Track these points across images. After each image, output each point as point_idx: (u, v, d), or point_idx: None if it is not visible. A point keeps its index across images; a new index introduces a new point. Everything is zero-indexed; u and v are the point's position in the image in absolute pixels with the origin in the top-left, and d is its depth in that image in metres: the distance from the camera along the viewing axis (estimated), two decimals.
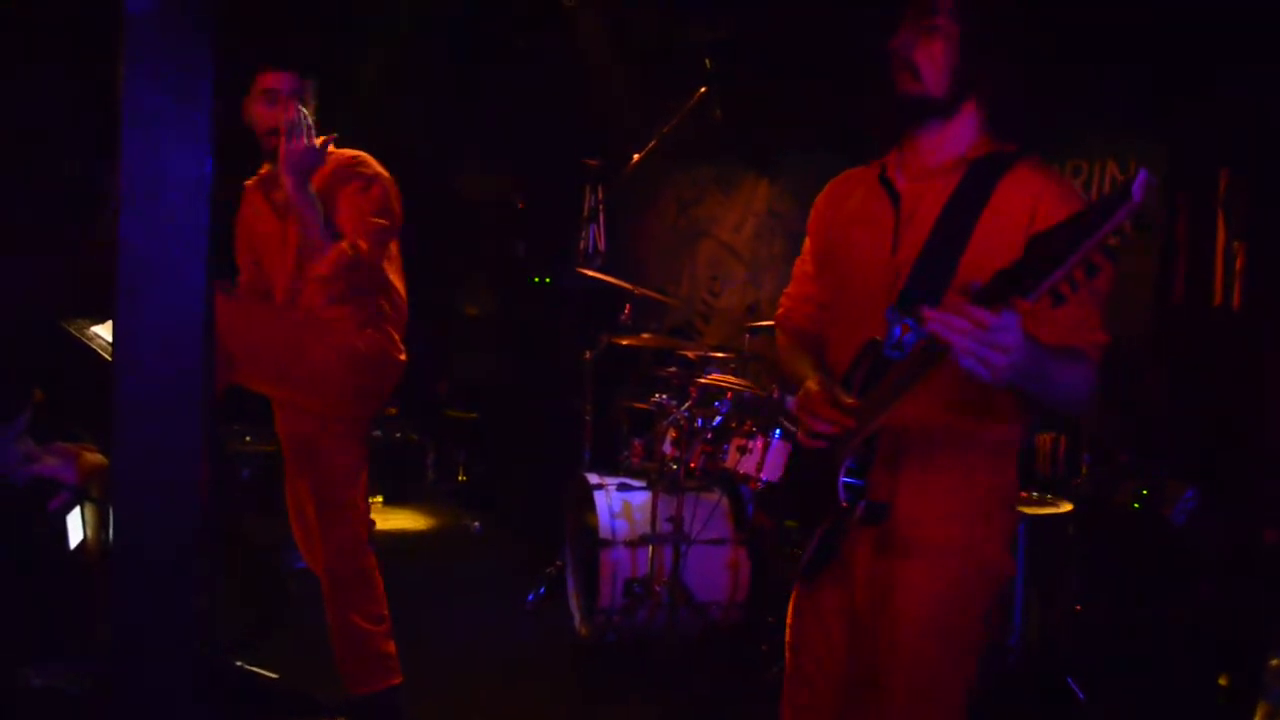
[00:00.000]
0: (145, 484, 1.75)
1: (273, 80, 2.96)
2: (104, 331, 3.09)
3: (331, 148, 2.96)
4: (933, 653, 1.83)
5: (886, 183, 1.93)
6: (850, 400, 1.80)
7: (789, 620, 2.09)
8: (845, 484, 1.81)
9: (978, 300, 1.48)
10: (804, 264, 2.18)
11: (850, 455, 1.81)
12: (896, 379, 1.70)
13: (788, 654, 2.09)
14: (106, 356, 2.91)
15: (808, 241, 2.17)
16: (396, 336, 3.09)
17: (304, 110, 2.82)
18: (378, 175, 2.99)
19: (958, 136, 1.87)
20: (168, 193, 1.74)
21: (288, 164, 2.75)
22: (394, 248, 3.10)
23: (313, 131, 2.81)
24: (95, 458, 2.07)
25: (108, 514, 2.06)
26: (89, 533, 1.96)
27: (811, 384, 1.91)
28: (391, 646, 3.08)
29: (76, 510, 1.94)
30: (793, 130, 5.46)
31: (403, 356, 3.11)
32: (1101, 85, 4.15)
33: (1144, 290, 4.10)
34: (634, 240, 6.46)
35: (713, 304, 5.91)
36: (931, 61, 1.82)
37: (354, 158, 3.00)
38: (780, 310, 2.24)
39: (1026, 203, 1.76)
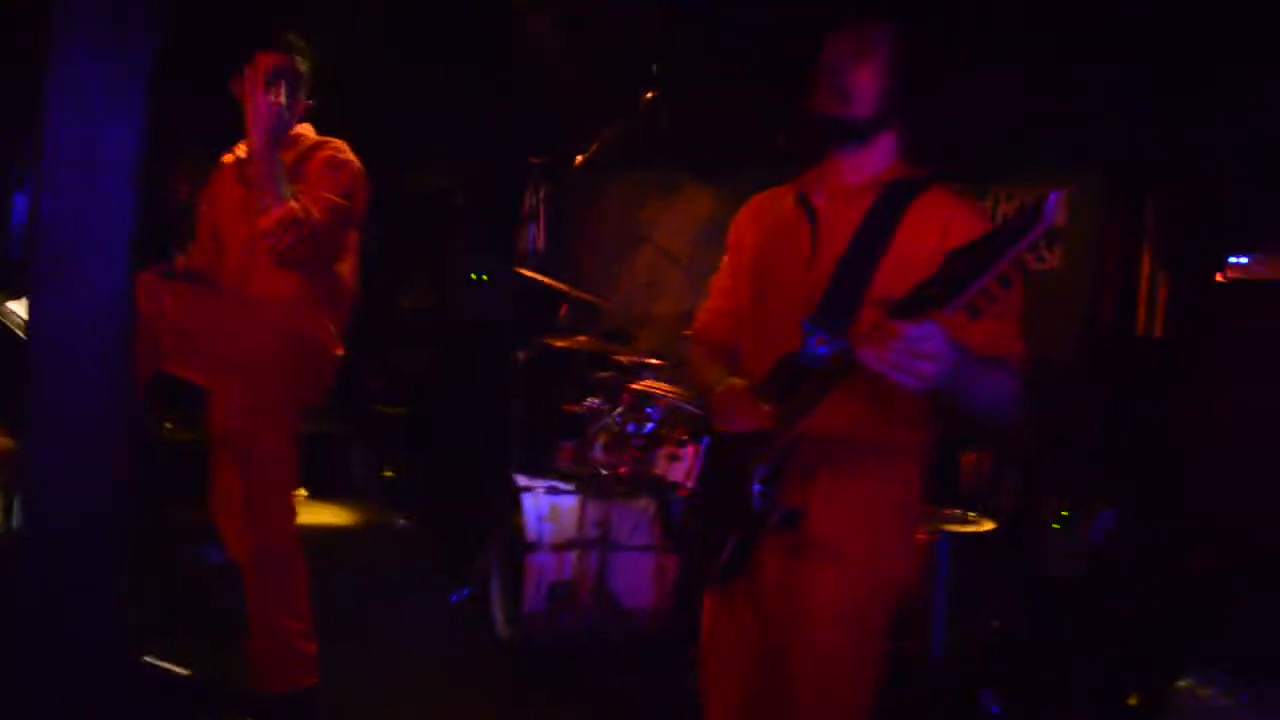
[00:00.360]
0: (61, 468, 1.68)
1: (264, 60, 2.93)
2: (19, 308, 2.99)
3: (310, 131, 3.02)
4: (839, 656, 1.88)
5: (804, 201, 2.00)
6: (767, 408, 1.85)
7: (704, 624, 2.14)
8: (759, 492, 1.84)
9: (895, 313, 1.53)
10: (723, 279, 2.24)
11: (764, 464, 1.85)
12: (812, 389, 1.75)
13: (703, 656, 2.13)
14: (20, 334, 2.82)
15: (726, 257, 2.23)
16: (334, 328, 3.05)
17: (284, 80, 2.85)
18: (349, 161, 2.99)
19: (875, 159, 1.95)
20: (96, 173, 1.67)
21: (255, 120, 2.76)
22: (351, 239, 3.09)
23: (286, 93, 2.83)
24: (1, 441, 1.99)
25: (10, 501, 1.98)
26: None
27: (735, 381, 1.97)
28: (312, 646, 3.02)
29: None
30: (737, 141, 5.48)
31: (339, 350, 3.07)
32: (1038, 114, 4.23)
33: (1074, 318, 4.19)
34: (574, 241, 6.43)
35: (649, 309, 5.91)
36: (863, 86, 1.88)
37: (328, 142, 3.02)
38: (698, 323, 2.29)
39: (939, 223, 1.84)
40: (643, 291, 6.05)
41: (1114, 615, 3.69)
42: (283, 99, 2.85)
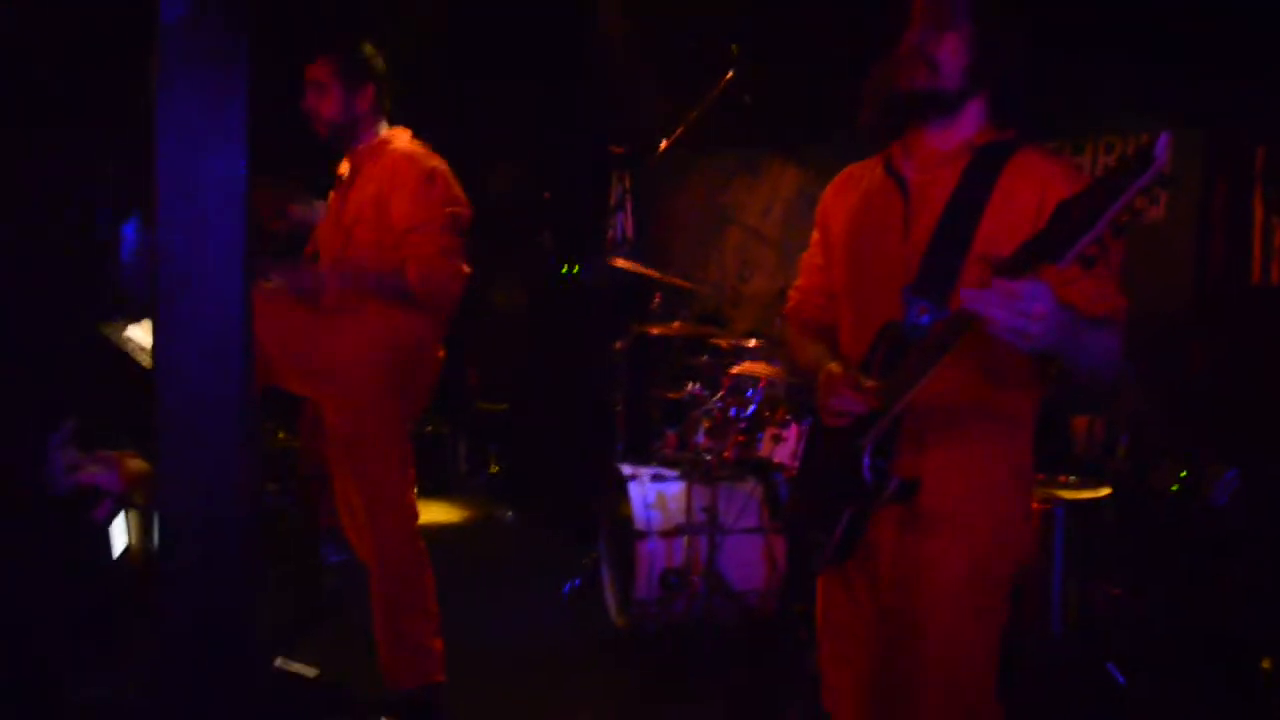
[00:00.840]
0: (190, 488, 1.75)
1: (311, 71, 2.99)
2: (138, 333, 3.11)
3: (394, 135, 3.04)
4: (962, 627, 1.86)
5: (893, 172, 1.98)
6: (871, 383, 1.83)
7: (819, 605, 2.14)
8: (870, 465, 1.84)
9: (1002, 271, 1.52)
10: (813, 257, 2.22)
11: (874, 437, 1.83)
12: (920, 357, 1.74)
13: (822, 639, 2.13)
14: (144, 360, 2.93)
15: (815, 234, 2.21)
16: (433, 331, 3.07)
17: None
18: (436, 169, 2.98)
19: (964, 126, 1.92)
20: (204, 196, 1.74)
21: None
22: (455, 242, 3.06)
23: (339, 96, 2.91)
24: (138, 464, 2.08)
25: (152, 521, 2.08)
26: (133, 540, 1.97)
27: (833, 366, 1.94)
28: (439, 643, 3.08)
29: (120, 518, 1.95)
30: (820, 115, 5.41)
31: (440, 353, 3.11)
32: (1135, 66, 4.08)
33: (1183, 269, 4.04)
34: (662, 228, 6.44)
35: (742, 290, 5.89)
36: (950, 57, 1.86)
37: (412, 154, 3.01)
38: (790, 303, 2.28)
39: (1035, 182, 1.82)
40: (734, 273, 6.02)
41: (1241, 577, 3.57)
42: (335, 103, 2.89)
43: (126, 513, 1.94)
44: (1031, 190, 1.80)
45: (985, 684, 1.89)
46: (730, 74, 4.27)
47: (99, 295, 3.69)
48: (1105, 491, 3.56)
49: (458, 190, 3.01)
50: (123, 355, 2.94)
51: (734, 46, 4.20)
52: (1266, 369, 3.79)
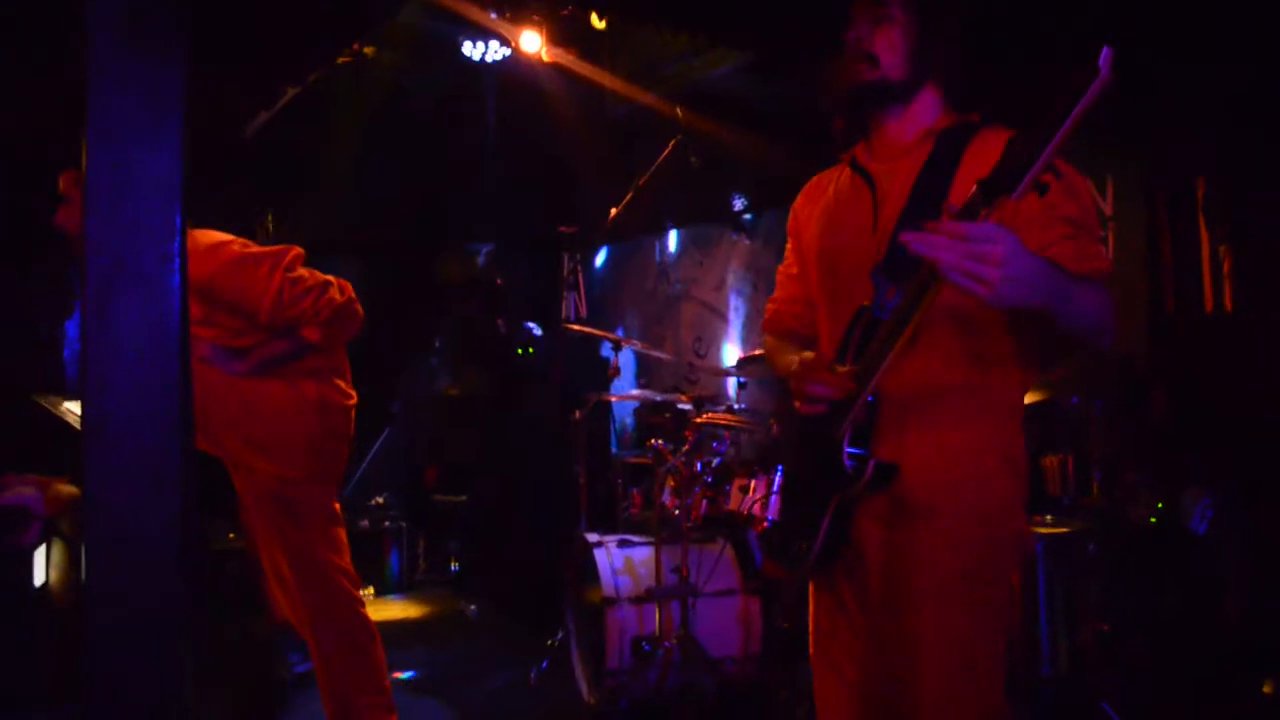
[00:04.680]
0: (121, 507, 1.61)
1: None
2: (74, 406, 2.98)
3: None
4: (955, 625, 1.74)
5: (859, 168, 1.97)
6: (845, 369, 1.78)
7: (810, 624, 2.03)
8: (849, 454, 1.76)
9: (960, 217, 1.46)
10: (788, 267, 2.21)
11: (851, 425, 1.76)
12: (888, 333, 1.68)
13: (814, 653, 2.02)
14: (75, 423, 2.80)
15: (789, 244, 2.20)
16: (340, 383, 3.00)
17: None
18: (245, 245, 2.87)
19: (921, 115, 1.92)
20: (137, 195, 1.65)
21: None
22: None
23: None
24: (66, 489, 1.94)
25: (78, 552, 1.92)
26: (53, 574, 1.81)
27: (807, 354, 1.90)
28: (392, 718, 2.90)
29: (43, 548, 1.79)
30: (767, 187, 5.46)
31: (351, 400, 3.01)
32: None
33: (1137, 308, 4.06)
34: (614, 306, 6.42)
35: (699, 365, 5.84)
36: (889, 49, 1.88)
37: (217, 244, 2.86)
38: (767, 315, 2.25)
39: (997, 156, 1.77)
40: (690, 348, 5.98)
41: (1229, 603, 3.49)
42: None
43: (49, 543, 1.78)
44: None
45: (986, 684, 1.76)
46: (677, 138, 4.29)
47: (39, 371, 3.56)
48: (1081, 526, 3.49)
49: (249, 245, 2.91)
50: (54, 419, 2.81)
51: (678, 110, 4.24)
52: (1228, 394, 3.77)
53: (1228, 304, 3.81)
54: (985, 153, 1.78)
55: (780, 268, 2.23)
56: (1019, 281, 1.43)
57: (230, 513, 5.26)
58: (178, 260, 1.68)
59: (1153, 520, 3.64)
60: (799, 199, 2.17)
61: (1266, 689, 3.12)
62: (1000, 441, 1.81)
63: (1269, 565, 3.40)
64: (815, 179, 2.15)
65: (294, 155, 5.28)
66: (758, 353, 4.14)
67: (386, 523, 6.11)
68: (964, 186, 1.77)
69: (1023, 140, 1.39)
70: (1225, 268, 3.82)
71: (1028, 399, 1.95)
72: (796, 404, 1.88)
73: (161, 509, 1.68)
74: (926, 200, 1.81)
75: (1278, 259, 3.66)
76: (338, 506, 2.98)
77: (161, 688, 1.68)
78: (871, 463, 1.74)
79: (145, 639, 1.64)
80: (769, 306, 2.24)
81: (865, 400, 1.73)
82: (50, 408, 2.95)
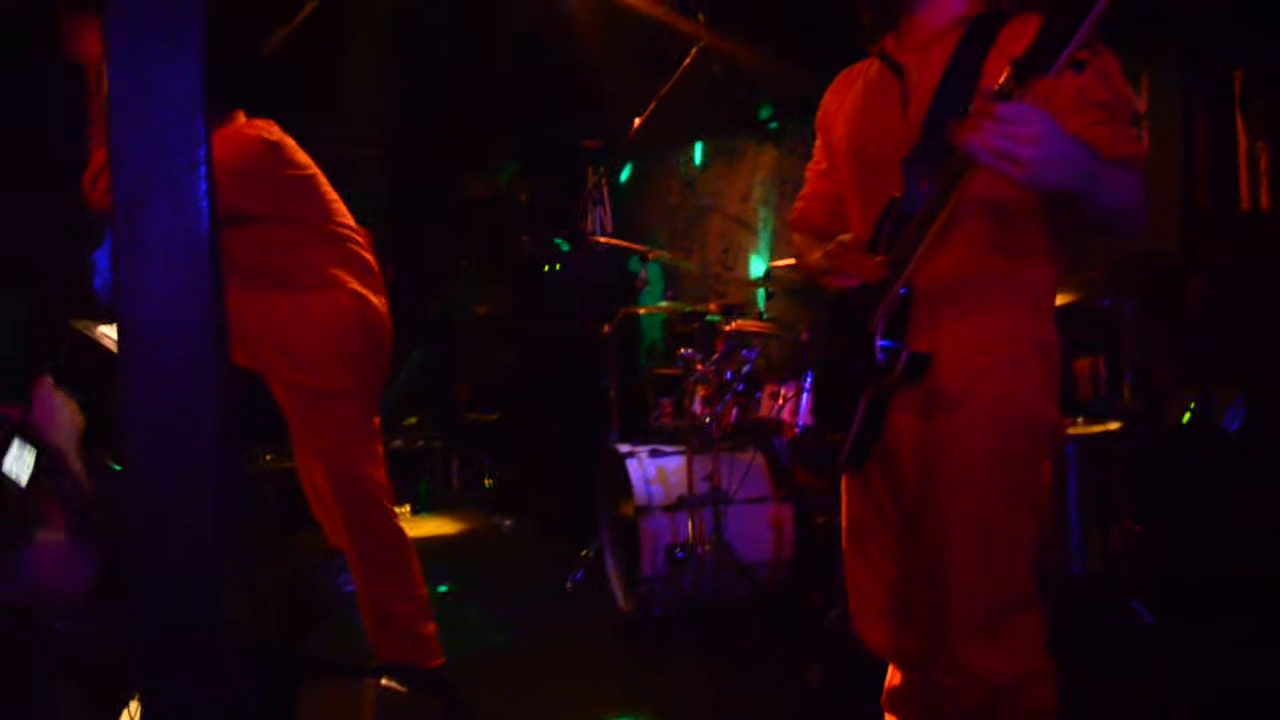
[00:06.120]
0: (161, 415, 1.65)
1: None
2: (112, 332, 3.01)
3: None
4: (989, 508, 1.74)
5: (888, 59, 1.93)
6: (880, 258, 1.77)
7: (843, 514, 2.04)
8: (882, 346, 1.75)
9: (993, 100, 1.43)
10: (816, 164, 2.18)
11: (883, 317, 1.76)
12: (920, 222, 1.66)
13: (846, 544, 2.04)
14: (112, 347, 2.83)
15: (818, 140, 2.16)
16: (384, 303, 2.95)
17: None
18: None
19: (952, 2, 1.87)
20: (158, 106, 1.65)
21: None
22: (319, 192, 2.94)
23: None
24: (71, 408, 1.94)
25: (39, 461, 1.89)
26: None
27: (844, 236, 1.88)
28: (429, 627, 2.96)
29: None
30: (794, 94, 5.36)
31: (385, 311, 2.97)
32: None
33: (1171, 205, 3.98)
34: (640, 222, 6.38)
35: (727, 277, 5.81)
36: None
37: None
38: (796, 213, 2.23)
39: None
40: (718, 260, 5.96)
41: (1259, 504, 3.48)
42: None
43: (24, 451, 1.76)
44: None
45: (1016, 570, 1.77)
46: (699, 44, 4.21)
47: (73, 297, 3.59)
48: (1115, 426, 3.48)
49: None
50: (92, 343, 2.84)
51: (700, 15, 4.15)
52: (1263, 294, 3.72)
53: (1264, 201, 3.74)
54: (1017, 37, 1.74)
55: (809, 165, 2.20)
56: (1052, 162, 1.42)
57: (268, 437, 5.36)
58: (204, 167, 1.69)
59: (1185, 419, 3.63)
60: (827, 94, 2.13)
61: None
62: (1032, 327, 1.80)
63: None
64: (843, 73, 2.11)
65: (312, 73, 5.24)
66: (788, 261, 4.11)
67: (420, 442, 6.19)
68: (996, 71, 1.74)
69: (1057, 17, 1.36)
70: (1262, 164, 3.75)
71: (1058, 300, 1.94)
72: (829, 281, 1.87)
73: (201, 413, 1.72)
74: (958, 87, 1.77)
75: None
76: (377, 421, 3.00)
77: (205, 605, 1.73)
78: (905, 354, 1.73)
79: (188, 549, 1.69)
80: (797, 205, 2.22)
81: (898, 293, 1.73)
82: (86, 331, 2.98)
